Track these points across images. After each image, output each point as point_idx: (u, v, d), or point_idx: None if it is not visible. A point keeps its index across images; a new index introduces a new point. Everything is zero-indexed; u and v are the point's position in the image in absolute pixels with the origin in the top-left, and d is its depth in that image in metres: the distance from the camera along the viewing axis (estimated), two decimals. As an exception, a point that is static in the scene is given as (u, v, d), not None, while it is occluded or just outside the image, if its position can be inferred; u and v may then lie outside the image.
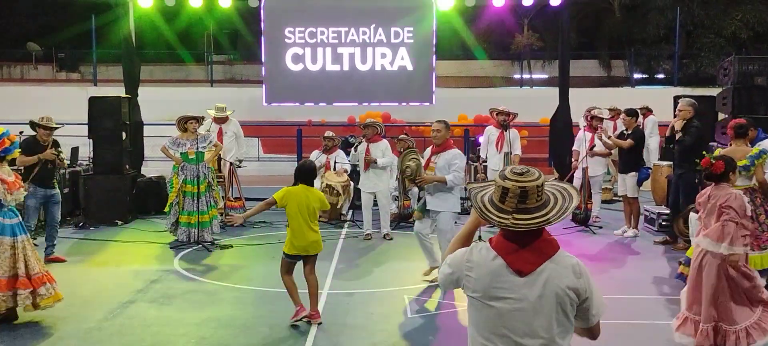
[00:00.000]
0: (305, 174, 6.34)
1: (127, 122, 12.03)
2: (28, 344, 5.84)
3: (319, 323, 6.21)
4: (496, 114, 11.27)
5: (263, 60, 20.72)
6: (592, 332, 2.88)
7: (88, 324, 6.31)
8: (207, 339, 5.97)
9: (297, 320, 6.21)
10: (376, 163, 10.14)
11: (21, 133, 12.74)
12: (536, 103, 18.39)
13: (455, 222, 7.75)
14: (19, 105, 21.39)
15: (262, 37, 19.80)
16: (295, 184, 6.32)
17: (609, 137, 10.74)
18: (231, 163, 11.77)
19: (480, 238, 3.15)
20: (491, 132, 11.38)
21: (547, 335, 2.72)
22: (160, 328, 6.25)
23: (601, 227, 10.96)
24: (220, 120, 11.80)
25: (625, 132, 10.30)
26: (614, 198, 13.52)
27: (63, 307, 6.75)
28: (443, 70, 23.00)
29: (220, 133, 11.56)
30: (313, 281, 6.29)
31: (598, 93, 20.34)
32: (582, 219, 10.71)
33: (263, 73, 21.11)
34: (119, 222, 11.32)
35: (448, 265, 2.89)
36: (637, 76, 28.87)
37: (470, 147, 15.18)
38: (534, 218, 2.73)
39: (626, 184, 10.24)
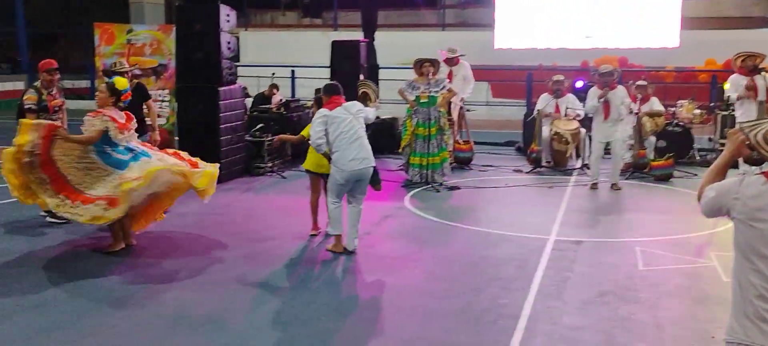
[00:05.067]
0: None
1: (365, 65, 12.62)
2: (275, 267, 6.47)
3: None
4: (742, 60, 10.18)
5: (495, 2, 20.54)
6: None
7: (327, 252, 6.85)
8: (435, 274, 6.21)
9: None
10: (620, 117, 9.78)
11: (273, 74, 13.96)
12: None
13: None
14: (269, 49, 23.39)
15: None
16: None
17: None
18: (461, 107, 11.93)
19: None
20: (737, 80, 10.29)
21: None
22: (392, 260, 6.62)
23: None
24: (450, 62, 11.95)
25: None
26: None
27: (305, 238, 7.36)
28: (690, 9, 21.15)
29: (450, 76, 11.71)
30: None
31: None
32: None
33: (494, 16, 20.97)
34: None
35: (715, 190, 2.98)
36: None
37: (717, 95, 13.95)
38: None
39: None
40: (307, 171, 7.32)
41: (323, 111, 6.64)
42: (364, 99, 8.94)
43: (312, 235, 7.34)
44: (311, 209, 7.40)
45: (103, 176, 6.39)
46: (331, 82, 7.26)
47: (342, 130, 6.52)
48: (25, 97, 7.59)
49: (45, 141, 6.36)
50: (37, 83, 7.66)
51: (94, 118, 6.44)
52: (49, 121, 6.80)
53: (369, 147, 6.75)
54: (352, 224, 6.77)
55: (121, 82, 6.83)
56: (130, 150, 6.58)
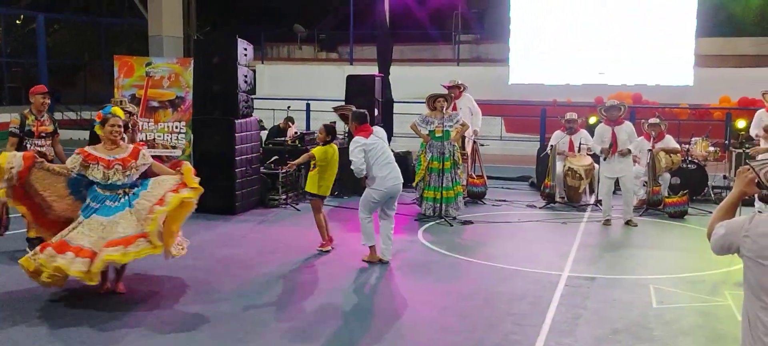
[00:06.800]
0: (334, 133, 8.07)
1: (380, 99, 12.73)
2: (283, 299, 6.51)
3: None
4: None
5: (509, 39, 20.70)
6: None
7: (343, 284, 6.89)
8: (448, 309, 6.21)
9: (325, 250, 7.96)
10: (629, 152, 9.79)
11: (288, 107, 14.11)
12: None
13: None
14: (285, 82, 23.64)
15: (510, 15, 19.79)
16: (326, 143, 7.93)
17: None
18: (474, 141, 11.96)
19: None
20: (763, 116, 10.47)
21: None
22: (404, 294, 6.64)
23: None
24: (453, 95, 11.85)
25: None
26: None
27: (321, 268, 7.41)
28: (704, 47, 21.21)
29: (454, 109, 11.69)
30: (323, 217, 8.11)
31: None
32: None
33: (509, 51, 21.12)
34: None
35: (724, 228, 3.01)
36: None
37: (731, 132, 13.93)
38: None
39: None
40: (308, 193, 8.13)
41: (360, 139, 7.35)
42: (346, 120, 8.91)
43: (322, 251, 7.99)
44: (318, 227, 8.05)
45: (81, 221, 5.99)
46: (361, 110, 7.89)
47: (378, 156, 7.43)
48: (11, 121, 7.67)
49: (23, 171, 5.99)
50: (26, 110, 7.74)
51: (74, 156, 6.14)
52: (30, 152, 6.47)
53: (398, 167, 7.71)
54: (386, 237, 7.61)
55: (116, 112, 6.36)
56: (112, 192, 6.09)
